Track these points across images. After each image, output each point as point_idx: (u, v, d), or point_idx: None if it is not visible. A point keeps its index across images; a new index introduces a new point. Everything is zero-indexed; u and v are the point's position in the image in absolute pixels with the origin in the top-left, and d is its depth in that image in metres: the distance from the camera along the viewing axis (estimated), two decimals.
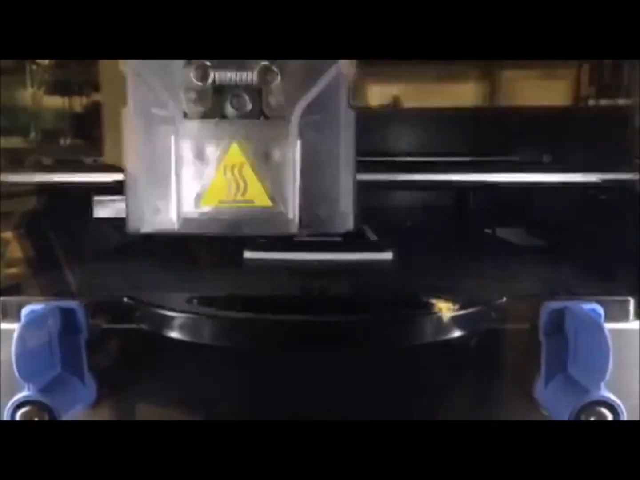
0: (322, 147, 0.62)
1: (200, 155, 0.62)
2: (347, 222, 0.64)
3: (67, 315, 0.60)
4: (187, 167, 0.62)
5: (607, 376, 0.55)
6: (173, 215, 0.63)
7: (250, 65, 0.60)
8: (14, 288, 0.68)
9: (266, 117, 0.62)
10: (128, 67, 0.62)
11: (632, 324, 0.62)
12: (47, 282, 0.74)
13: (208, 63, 0.60)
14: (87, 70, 1.01)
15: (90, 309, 0.61)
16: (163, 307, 0.60)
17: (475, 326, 0.62)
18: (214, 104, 0.61)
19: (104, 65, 0.94)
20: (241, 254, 0.82)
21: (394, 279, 0.77)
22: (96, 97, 1.03)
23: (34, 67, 0.99)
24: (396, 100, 1.13)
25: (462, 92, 1.17)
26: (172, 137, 0.62)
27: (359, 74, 0.71)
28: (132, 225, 0.65)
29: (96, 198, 0.71)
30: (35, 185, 0.83)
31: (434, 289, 0.66)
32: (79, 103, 1.07)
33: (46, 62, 1.00)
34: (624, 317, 0.62)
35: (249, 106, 0.61)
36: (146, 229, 0.65)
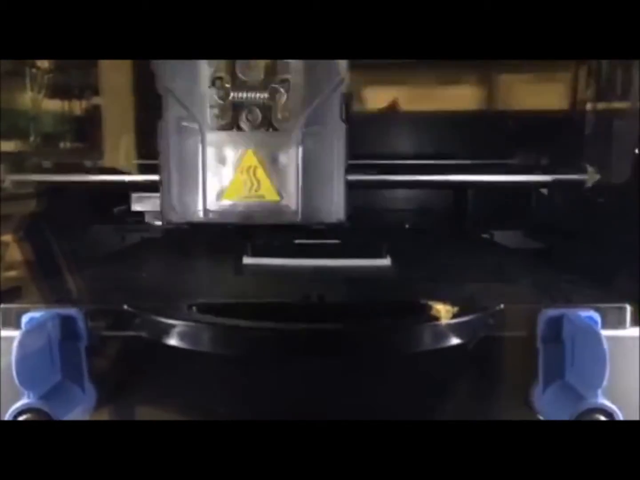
0: (319, 153, 0.77)
1: (221, 160, 0.77)
2: (339, 213, 0.78)
3: (67, 323, 0.60)
4: (210, 169, 0.77)
5: (604, 383, 0.55)
6: (199, 208, 0.78)
7: (262, 86, 0.75)
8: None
9: (274, 129, 0.76)
10: (163, 87, 0.77)
11: (629, 331, 0.62)
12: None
13: (228, 85, 0.75)
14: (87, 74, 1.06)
15: (90, 316, 0.61)
16: (162, 315, 0.61)
17: (472, 334, 0.62)
18: (232, 118, 0.76)
19: (104, 69, 1.04)
20: (240, 259, 0.84)
21: (390, 285, 0.77)
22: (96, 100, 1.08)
23: (34, 70, 1.01)
24: (394, 104, 1.18)
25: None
26: (199, 145, 0.76)
27: (358, 79, 0.80)
28: (165, 217, 0.80)
29: (134, 194, 0.85)
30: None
31: (431, 296, 0.66)
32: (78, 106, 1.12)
33: (46, 65, 1.04)
34: (621, 325, 0.62)
35: (261, 120, 0.76)
36: (176, 219, 0.79)
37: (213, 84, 0.75)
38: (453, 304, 0.63)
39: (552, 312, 0.61)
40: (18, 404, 0.56)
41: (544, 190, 1.05)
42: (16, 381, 0.55)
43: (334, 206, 0.78)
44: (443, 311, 0.61)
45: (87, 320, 0.61)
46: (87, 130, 1.10)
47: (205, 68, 0.75)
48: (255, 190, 0.76)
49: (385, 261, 0.82)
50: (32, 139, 1.02)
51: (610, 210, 0.84)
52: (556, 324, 0.61)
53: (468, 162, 1.00)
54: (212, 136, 0.76)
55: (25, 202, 0.88)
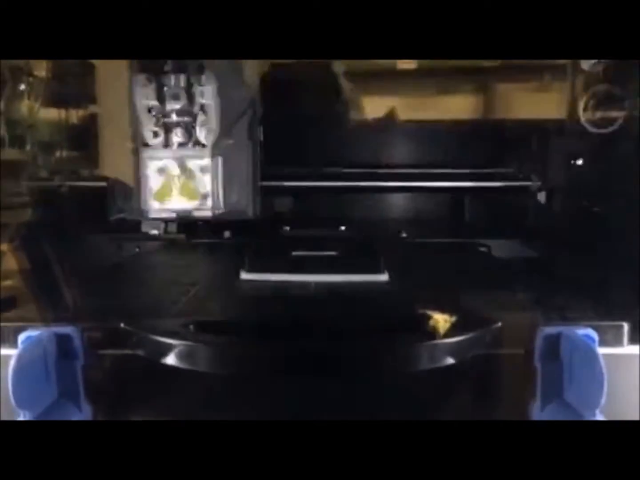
0: (235, 162, 0.96)
1: (154, 170, 0.96)
2: (249, 211, 0.97)
3: (63, 341, 0.61)
4: (146, 178, 0.97)
5: (603, 402, 0.55)
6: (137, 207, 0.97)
7: (189, 110, 0.95)
8: None
9: (198, 144, 0.96)
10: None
11: (627, 349, 0.62)
12: None
13: (160, 113, 0.94)
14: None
15: (86, 335, 0.62)
16: (159, 334, 0.61)
17: (470, 352, 0.61)
18: (164, 137, 0.96)
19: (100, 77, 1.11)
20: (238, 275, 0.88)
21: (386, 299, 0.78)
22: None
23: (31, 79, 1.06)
24: (392, 113, 1.23)
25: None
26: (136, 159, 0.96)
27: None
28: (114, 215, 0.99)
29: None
30: None
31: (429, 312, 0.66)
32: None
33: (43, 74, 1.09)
34: (618, 343, 0.62)
35: (187, 137, 0.96)
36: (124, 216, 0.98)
37: (149, 110, 0.95)
38: (449, 321, 0.63)
39: (549, 330, 0.62)
40: None
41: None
42: (12, 401, 0.54)
43: (247, 205, 0.98)
44: (438, 330, 0.61)
45: (84, 338, 0.61)
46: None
47: (140, 93, 0.94)
48: (180, 194, 0.96)
49: (383, 276, 0.86)
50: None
51: None
52: (554, 342, 0.61)
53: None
54: (149, 152, 0.96)
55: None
